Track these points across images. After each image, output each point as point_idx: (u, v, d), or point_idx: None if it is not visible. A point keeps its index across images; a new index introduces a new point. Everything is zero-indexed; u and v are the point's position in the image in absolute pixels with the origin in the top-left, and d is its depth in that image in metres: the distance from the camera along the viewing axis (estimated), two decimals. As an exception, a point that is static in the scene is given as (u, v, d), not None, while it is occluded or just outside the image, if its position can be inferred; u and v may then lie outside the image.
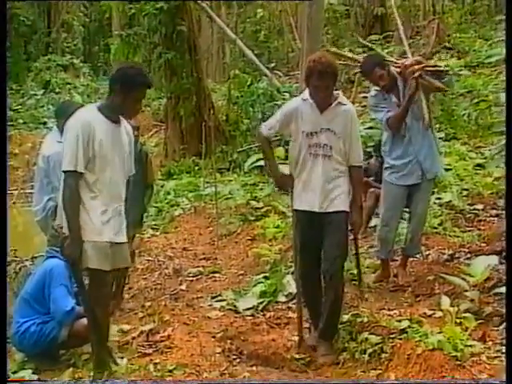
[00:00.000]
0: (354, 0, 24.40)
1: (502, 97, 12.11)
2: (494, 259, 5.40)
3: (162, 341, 5.20)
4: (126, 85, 4.35)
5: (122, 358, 4.71)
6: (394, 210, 5.98)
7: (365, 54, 7.06)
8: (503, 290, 5.05)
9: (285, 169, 5.15)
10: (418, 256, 6.33)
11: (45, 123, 20.25)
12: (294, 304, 5.59)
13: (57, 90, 25.04)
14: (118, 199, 4.44)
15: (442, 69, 5.82)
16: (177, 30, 13.98)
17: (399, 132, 5.85)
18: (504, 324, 4.53)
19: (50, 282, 4.96)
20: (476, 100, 11.76)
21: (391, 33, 20.11)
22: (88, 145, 4.24)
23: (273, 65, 20.85)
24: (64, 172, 4.25)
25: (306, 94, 4.87)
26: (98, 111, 4.39)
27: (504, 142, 9.11)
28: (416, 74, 5.62)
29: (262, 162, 11.23)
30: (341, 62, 6.48)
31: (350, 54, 7.92)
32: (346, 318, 4.94)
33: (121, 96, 4.37)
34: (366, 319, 4.85)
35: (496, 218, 7.19)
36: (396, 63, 5.91)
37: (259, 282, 6.33)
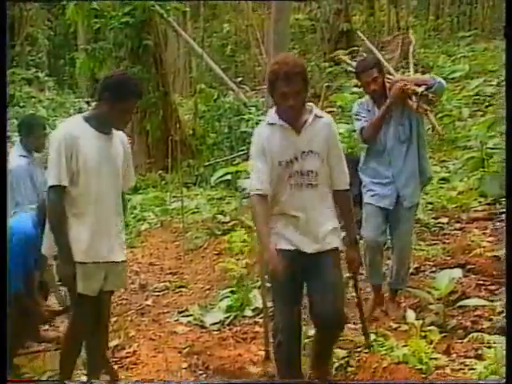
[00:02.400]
0: (320, 15, 24.58)
1: (465, 112, 12.32)
2: (458, 272, 5.44)
3: (127, 357, 5.17)
4: (114, 93, 4.04)
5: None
6: (376, 230, 5.42)
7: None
8: (467, 302, 5.13)
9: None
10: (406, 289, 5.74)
11: (9, 137, 20.03)
12: (260, 318, 5.59)
13: (21, 103, 24.79)
14: (110, 215, 4.16)
15: (427, 92, 5.27)
16: (143, 45, 13.97)
17: (374, 143, 5.41)
18: (468, 336, 4.59)
19: None
20: (440, 115, 11.91)
21: (357, 48, 20.31)
22: (72, 158, 3.99)
23: (239, 79, 20.90)
24: (49, 187, 4.02)
25: (271, 116, 4.03)
26: (84, 122, 4.12)
27: (466, 156, 9.27)
28: (399, 85, 5.25)
29: (228, 176, 11.25)
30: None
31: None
32: (312, 332, 4.95)
33: (107, 105, 4.07)
34: (332, 333, 4.85)
35: (460, 232, 7.27)
36: (388, 78, 5.56)
37: (226, 297, 6.32)
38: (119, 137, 4.27)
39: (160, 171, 13.66)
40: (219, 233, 8.86)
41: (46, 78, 28.19)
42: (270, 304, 5.16)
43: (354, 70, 5.65)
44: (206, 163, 13.31)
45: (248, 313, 5.97)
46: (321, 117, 4.02)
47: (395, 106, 5.33)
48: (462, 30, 23.36)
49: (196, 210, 10.28)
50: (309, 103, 4.03)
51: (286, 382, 4.09)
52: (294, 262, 3.89)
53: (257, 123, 12.89)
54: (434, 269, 6.26)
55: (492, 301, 5.22)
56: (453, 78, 15.77)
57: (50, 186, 4.02)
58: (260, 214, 3.88)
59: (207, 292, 6.92)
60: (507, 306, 2.37)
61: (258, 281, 6.11)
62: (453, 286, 5.28)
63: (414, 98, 5.26)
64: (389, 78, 5.51)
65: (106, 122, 4.12)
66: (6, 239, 3.63)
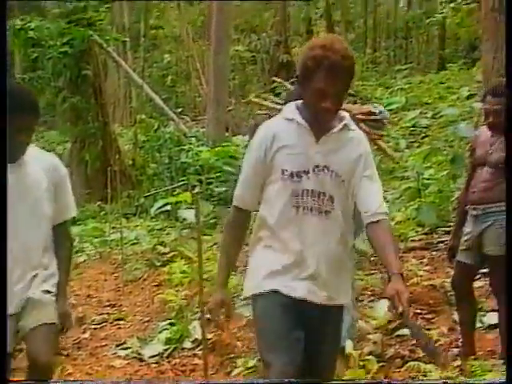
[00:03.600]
0: (260, 47, 24.89)
1: (402, 143, 12.57)
2: (395, 301, 5.50)
3: (63, 392, 5.05)
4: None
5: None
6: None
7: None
8: (405, 331, 5.17)
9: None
10: None
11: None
12: (199, 350, 5.53)
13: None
14: (28, 256, 3.55)
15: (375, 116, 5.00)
16: (82, 75, 13.91)
17: None
18: (405, 365, 4.62)
19: None
20: (377, 146, 12.12)
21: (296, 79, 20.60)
22: None
23: (180, 109, 20.93)
24: None
25: (291, 110, 2.99)
26: None
27: (404, 187, 9.43)
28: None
29: (168, 207, 11.20)
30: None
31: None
32: (251, 363, 4.93)
33: None
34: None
35: (398, 261, 7.34)
36: None
37: (165, 329, 6.25)
38: (41, 161, 3.65)
39: (99, 202, 13.52)
40: (159, 264, 8.79)
41: (-17, 107, 27.74)
42: (209, 336, 5.14)
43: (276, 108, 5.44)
44: (146, 194, 13.23)
45: (187, 345, 5.91)
46: (352, 129, 3.01)
47: None
48: (398, 64, 23.98)
49: (136, 241, 10.19)
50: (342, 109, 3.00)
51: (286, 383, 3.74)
52: (292, 309, 2.88)
53: (197, 154, 12.93)
54: (372, 298, 6.32)
55: (429, 329, 5.29)
56: (390, 110, 16.10)
57: None
58: (229, 237, 3.08)
59: (146, 324, 6.84)
60: (507, 306, 2.41)
61: (197, 312, 6.06)
62: (390, 316, 5.34)
63: (362, 125, 4.88)
64: None
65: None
66: (6, 239, 3.29)
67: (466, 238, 4.59)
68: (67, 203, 3.87)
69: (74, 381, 4.26)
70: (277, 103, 5.05)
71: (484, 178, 4.50)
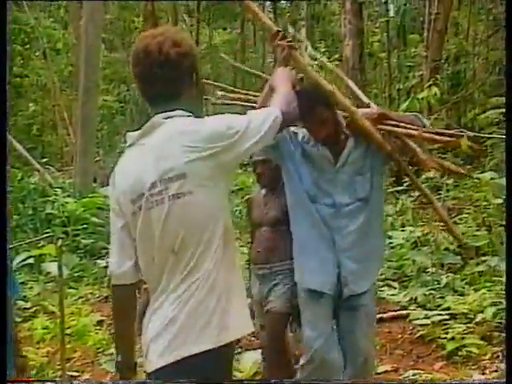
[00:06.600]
0: (130, 97, 24.81)
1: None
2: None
3: None
4: None
5: None
6: (318, 330, 3.97)
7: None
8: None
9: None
10: None
11: None
12: (61, 410, 5.34)
13: None
14: None
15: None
16: None
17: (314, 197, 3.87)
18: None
19: None
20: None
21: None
22: None
23: (46, 160, 20.44)
24: None
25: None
26: None
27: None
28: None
29: (31, 260, 10.80)
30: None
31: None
32: None
33: None
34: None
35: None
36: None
37: (24, 389, 5.97)
38: None
39: (-44, 255, 12.88)
40: (19, 320, 8.42)
41: None
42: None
43: None
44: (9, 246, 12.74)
45: (48, 405, 5.68)
46: None
47: (357, 143, 3.80)
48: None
49: (-5, 297, 9.75)
50: None
51: (285, 382, 3.76)
52: None
53: (63, 205, 12.62)
54: (239, 350, 6.32)
55: (293, 381, 5.33)
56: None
57: None
58: None
59: (4, 384, 6.51)
60: (507, 305, 2.44)
61: (59, 369, 5.85)
62: (256, 367, 5.35)
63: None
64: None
65: None
66: (6, 238, 3.07)
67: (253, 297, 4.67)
68: None
69: (74, 381, 4.00)
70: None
71: (266, 237, 4.53)
